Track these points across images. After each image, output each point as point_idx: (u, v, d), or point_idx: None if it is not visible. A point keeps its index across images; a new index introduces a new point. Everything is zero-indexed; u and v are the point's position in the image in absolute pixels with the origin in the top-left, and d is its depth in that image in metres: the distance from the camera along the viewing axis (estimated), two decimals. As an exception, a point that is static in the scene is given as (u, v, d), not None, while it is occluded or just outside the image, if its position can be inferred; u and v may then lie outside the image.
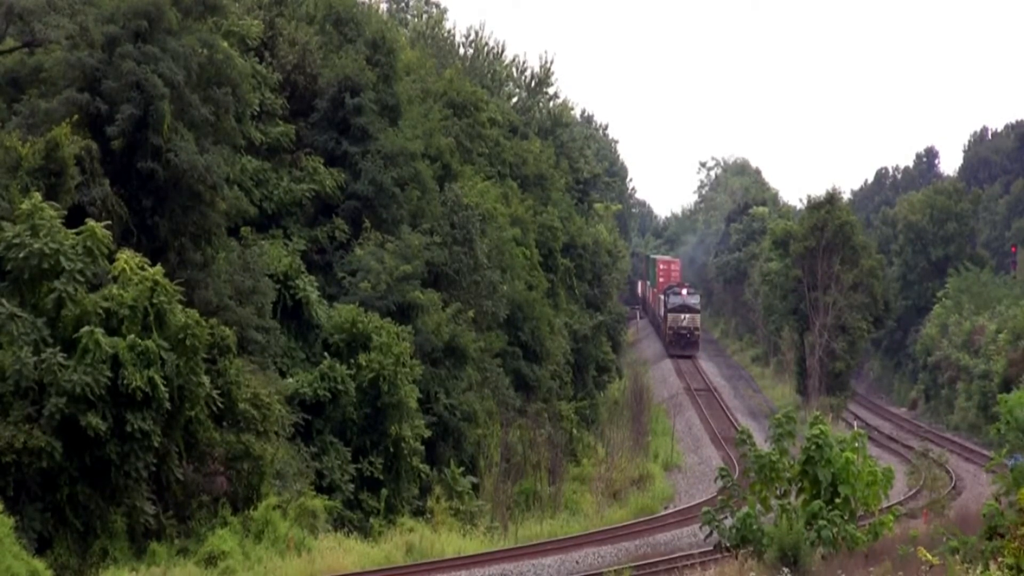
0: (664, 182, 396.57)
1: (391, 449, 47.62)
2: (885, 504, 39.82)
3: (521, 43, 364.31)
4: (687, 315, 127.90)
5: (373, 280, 52.06)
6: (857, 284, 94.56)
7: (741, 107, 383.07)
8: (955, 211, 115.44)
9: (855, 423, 79.79)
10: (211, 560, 36.77)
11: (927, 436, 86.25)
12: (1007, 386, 66.68)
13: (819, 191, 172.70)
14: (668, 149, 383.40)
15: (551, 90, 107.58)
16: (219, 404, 38.98)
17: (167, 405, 36.42)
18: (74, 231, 36.97)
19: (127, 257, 37.81)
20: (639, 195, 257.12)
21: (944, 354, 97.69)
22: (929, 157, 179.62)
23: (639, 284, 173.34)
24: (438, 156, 64.76)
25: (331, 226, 54.76)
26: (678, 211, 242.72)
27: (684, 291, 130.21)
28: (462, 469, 52.40)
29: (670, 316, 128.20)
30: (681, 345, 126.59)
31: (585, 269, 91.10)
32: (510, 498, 55.32)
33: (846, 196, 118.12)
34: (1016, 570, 24.59)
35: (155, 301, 37.00)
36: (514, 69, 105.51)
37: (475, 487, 52.95)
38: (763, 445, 35.99)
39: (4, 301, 35.62)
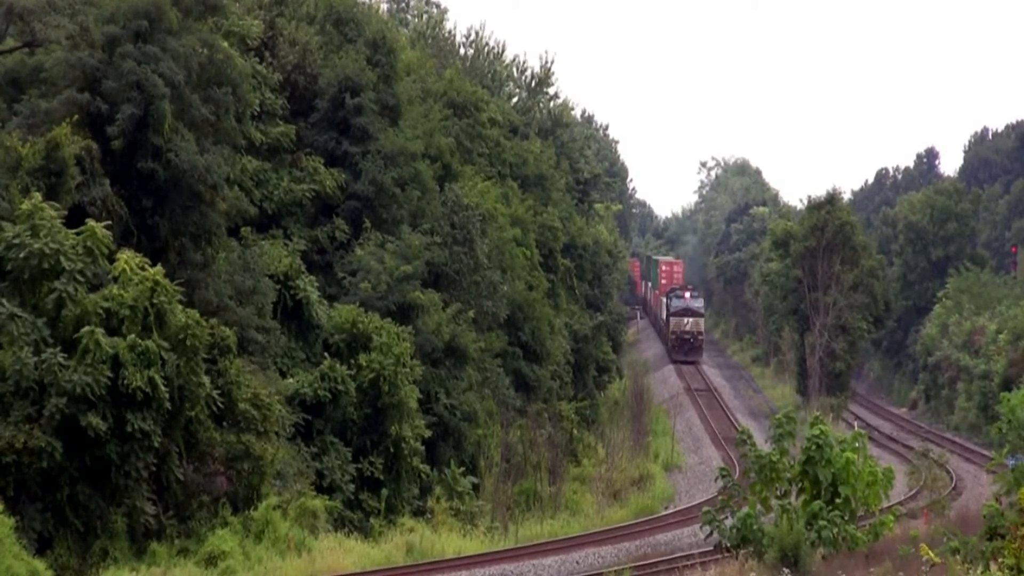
0: (664, 182, 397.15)
1: (391, 449, 47.60)
2: (885, 504, 39.81)
3: (521, 43, 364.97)
4: (690, 319, 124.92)
5: (373, 280, 52.05)
6: (857, 284, 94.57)
7: (741, 107, 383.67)
8: (955, 211, 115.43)
9: (855, 423, 79.79)
10: (211, 560, 36.76)
11: (927, 436, 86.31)
12: (1007, 386, 66.61)
13: (819, 191, 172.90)
14: (668, 149, 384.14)
15: (551, 90, 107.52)
16: (219, 404, 38.97)
17: (167, 405, 36.40)
18: (74, 231, 36.95)
19: (127, 257, 37.79)
20: (639, 195, 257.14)
21: (944, 354, 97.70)
22: (929, 157, 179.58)
23: (640, 285, 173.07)
24: (438, 156, 64.74)
25: (331, 226, 54.75)
26: (678, 211, 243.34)
27: (687, 294, 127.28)
28: (462, 469, 52.38)
29: (672, 320, 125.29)
30: (684, 351, 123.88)
31: (585, 269, 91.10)
32: (510, 498, 55.29)
33: (846, 196, 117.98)
34: (1016, 570, 24.56)
35: (155, 301, 36.99)
36: (514, 69, 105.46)
37: (475, 487, 52.92)
38: (763, 445, 35.97)
39: (4, 301, 35.60)
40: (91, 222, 37.46)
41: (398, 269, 52.74)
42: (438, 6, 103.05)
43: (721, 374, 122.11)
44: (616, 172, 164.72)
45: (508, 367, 63.72)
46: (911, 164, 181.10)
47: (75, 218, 38.13)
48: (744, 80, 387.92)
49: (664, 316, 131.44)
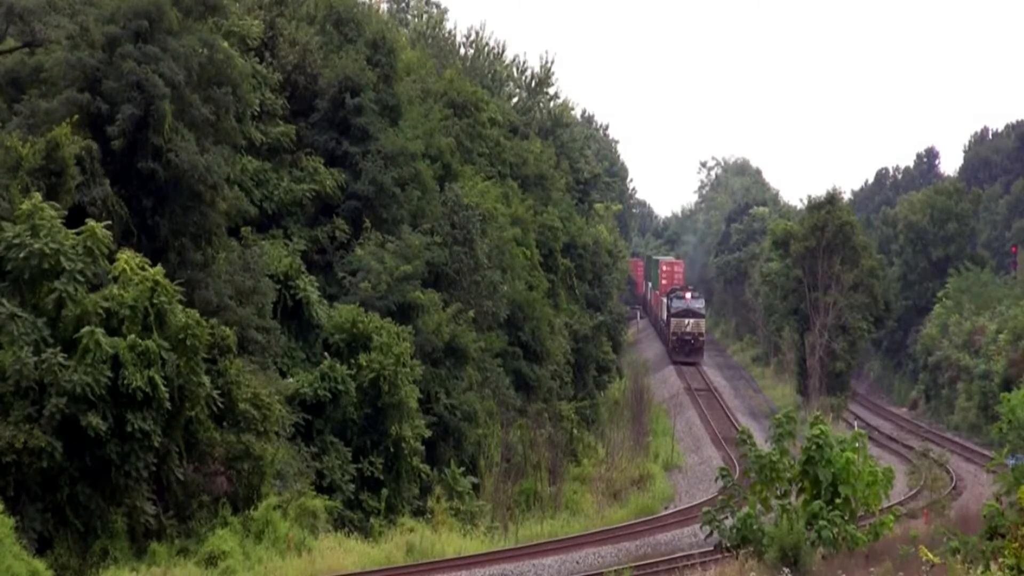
0: (664, 182, 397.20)
1: (391, 449, 47.61)
2: (885, 504, 39.79)
3: (521, 43, 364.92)
4: (691, 320, 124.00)
5: (373, 280, 52.05)
6: (857, 284, 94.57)
7: (741, 107, 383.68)
8: (955, 211, 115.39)
9: (855, 423, 79.85)
10: (211, 560, 36.77)
11: (927, 436, 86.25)
12: (1007, 386, 66.65)
13: (819, 191, 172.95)
14: (668, 149, 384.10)
15: (551, 90, 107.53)
16: (219, 404, 38.98)
17: (167, 405, 36.41)
18: (74, 231, 36.96)
19: (127, 257, 37.81)
20: (639, 195, 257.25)
21: (944, 354, 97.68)
22: (929, 157, 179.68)
23: (642, 285, 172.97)
24: (438, 156, 64.73)
25: (331, 226, 54.75)
26: (678, 211, 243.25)
27: (688, 295, 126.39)
28: (462, 469, 52.39)
29: (673, 321, 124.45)
30: (685, 352, 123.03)
31: (585, 269, 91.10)
32: (510, 498, 55.31)
33: (846, 196, 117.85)
34: (1017, 570, 24.58)
35: (155, 301, 37.00)
36: (514, 69, 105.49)
37: (475, 487, 52.93)
38: (763, 445, 35.97)
39: (4, 301, 35.61)
40: (91, 222, 37.48)
41: (398, 269, 52.74)
42: (438, 6, 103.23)
43: (721, 374, 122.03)
44: (616, 172, 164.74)
45: (508, 367, 63.72)
46: (911, 164, 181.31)
47: (75, 218, 38.14)
48: (744, 80, 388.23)
49: (665, 317, 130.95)
